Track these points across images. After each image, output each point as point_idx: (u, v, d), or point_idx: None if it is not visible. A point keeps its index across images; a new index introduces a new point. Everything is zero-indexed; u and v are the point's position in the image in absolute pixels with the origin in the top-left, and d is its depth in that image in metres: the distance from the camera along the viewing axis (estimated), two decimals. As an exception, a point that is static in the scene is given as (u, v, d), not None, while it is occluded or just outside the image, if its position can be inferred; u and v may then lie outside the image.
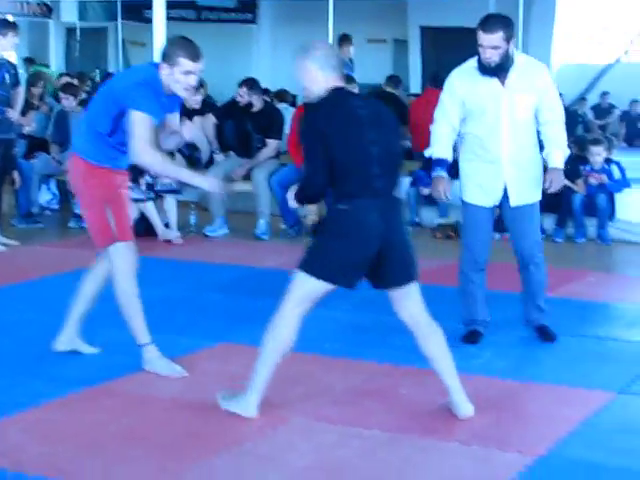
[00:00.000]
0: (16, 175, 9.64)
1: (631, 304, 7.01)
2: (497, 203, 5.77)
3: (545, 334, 5.91)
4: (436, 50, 16.84)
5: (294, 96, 12.38)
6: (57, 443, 4.33)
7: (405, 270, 4.60)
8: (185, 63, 4.92)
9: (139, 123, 4.90)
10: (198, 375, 5.21)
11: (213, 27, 14.02)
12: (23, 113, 9.02)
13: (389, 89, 11.51)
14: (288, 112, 10.24)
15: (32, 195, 9.97)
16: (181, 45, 4.98)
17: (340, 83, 4.51)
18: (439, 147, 5.73)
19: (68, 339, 5.55)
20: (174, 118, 5.33)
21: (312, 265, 4.50)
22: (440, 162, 5.73)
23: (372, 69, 13.68)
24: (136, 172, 8.89)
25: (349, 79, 11.18)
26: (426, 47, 17.12)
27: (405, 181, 10.04)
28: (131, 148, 4.95)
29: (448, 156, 5.73)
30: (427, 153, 5.83)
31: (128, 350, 5.46)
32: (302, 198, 4.66)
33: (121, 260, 5.18)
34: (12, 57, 8.81)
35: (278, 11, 13.91)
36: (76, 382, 5.04)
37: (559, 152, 5.71)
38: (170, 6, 11.37)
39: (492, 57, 5.48)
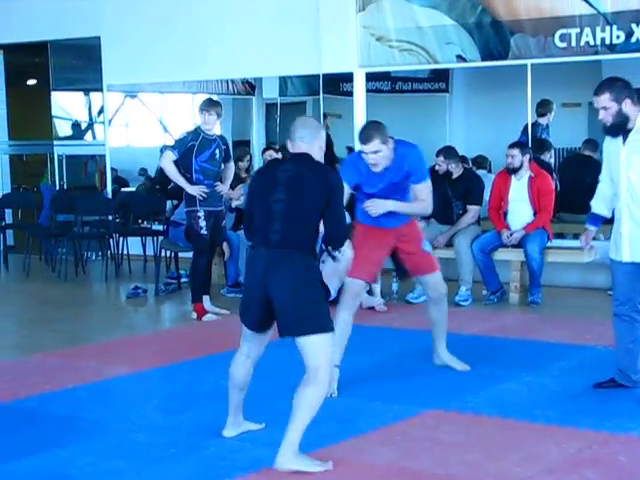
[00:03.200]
0: (225, 246, 10.04)
1: None
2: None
3: None
4: (633, 112, 16.48)
5: (490, 162, 12.40)
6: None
7: (284, 323, 4.81)
8: (360, 145, 6.02)
9: None
10: (411, 442, 5.24)
11: (407, 97, 14.21)
12: (232, 187, 9.35)
13: (587, 152, 11.37)
14: (487, 178, 10.25)
15: (240, 265, 10.22)
16: (359, 131, 6.08)
17: (300, 150, 4.93)
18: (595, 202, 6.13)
19: None
20: (417, 189, 6.26)
21: None
22: (592, 216, 6.14)
23: (567, 133, 13.50)
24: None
25: (546, 144, 11.16)
26: (622, 109, 16.79)
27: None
28: None
29: (600, 211, 6.07)
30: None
31: (341, 417, 5.58)
32: None
33: (345, 292, 6.11)
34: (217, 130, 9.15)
35: (471, 79, 13.96)
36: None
37: None
38: (366, 78, 11.68)
39: (604, 117, 5.71)
